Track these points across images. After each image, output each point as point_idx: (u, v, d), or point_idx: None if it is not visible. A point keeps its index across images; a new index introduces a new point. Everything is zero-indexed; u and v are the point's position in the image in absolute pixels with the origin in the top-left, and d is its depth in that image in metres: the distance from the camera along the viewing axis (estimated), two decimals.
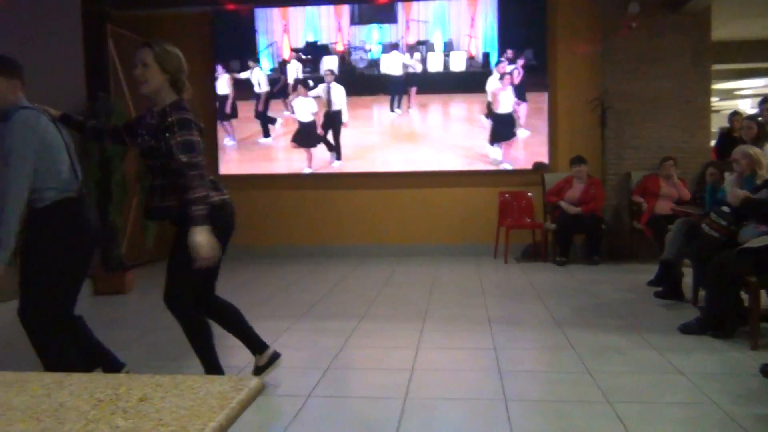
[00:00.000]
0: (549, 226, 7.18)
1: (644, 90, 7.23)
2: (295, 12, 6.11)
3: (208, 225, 2.70)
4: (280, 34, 5.99)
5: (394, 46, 6.28)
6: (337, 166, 7.55)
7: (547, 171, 7.51)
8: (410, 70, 6.60)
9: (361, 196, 7.88)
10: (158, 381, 1.06)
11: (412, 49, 6.11)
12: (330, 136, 7.25)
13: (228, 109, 7.54)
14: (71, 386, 1.03)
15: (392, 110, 6.97)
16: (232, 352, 3.98)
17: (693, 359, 3.56)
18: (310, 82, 6.77)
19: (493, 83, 7.26)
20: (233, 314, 3.21)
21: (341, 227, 7.93)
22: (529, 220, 7.51)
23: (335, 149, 7.26)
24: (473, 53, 6.19)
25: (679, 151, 7.15)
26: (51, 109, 2.95)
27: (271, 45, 6.26)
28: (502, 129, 7.41)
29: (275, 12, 6.28)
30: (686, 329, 4.06)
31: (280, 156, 7.67)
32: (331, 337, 4.17)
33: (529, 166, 7.60)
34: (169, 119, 2.75)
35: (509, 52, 6.91)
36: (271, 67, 6.52)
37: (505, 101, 7.38)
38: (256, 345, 3.23)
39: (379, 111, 7.24)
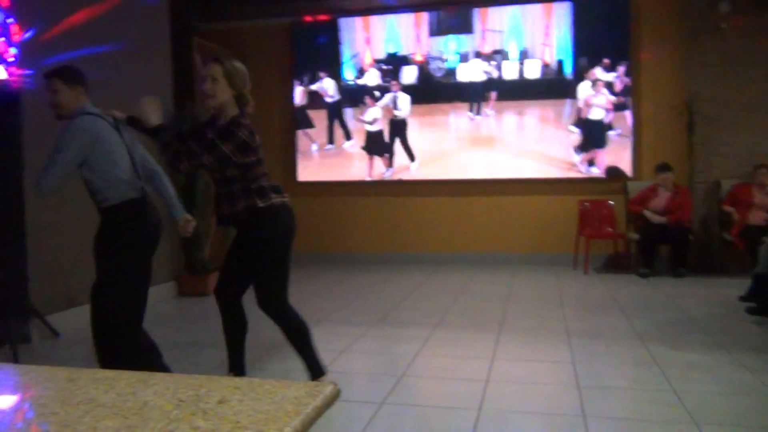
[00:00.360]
0: (632, 236, 6.93)
1: (735, 94, 6.86)
2: (376, 24, 6.29)
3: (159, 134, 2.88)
4: (363, 45, 6.19)
5: (476, 54, 6.43)
6: (415, 168, 7.56)
7: (621, 177, 7.25)
8: (490, 76, 6.65)
9: (438, 203, 7.86)
10: (236, 384, 1.08)
11: (487, 58, 6.23)
12: (398, 144, 7.35)
13: (305, 119, 7.80)
14: (155, 386, 1.07)
15: (471, 113, 6.98)
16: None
17: None
18: (377, 93, 6.91)
19: (584, 90, 7.11)
20: (243, 327, 3.28)
21: (417, 234, 7.93)
22: (610, 229, 7.27)
23: (408, 152, 7.36)
24: (548, 61, 6.20)
25: None
26: (117, 113, 3.11)
27: (354, 56, 6.42)
28: (592, 136, 7.24)
29: (358, 24, 6.47)
30: None
31: (352, 163, 7.82)
32: (405, 345, 4.17)
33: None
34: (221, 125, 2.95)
35: (605, 60, 6.80)
36: (354, 76, 6.62)
37: (597, 109, 7.23)
38: (237, 364, 3.27)
39: (456, 117, 7.32)
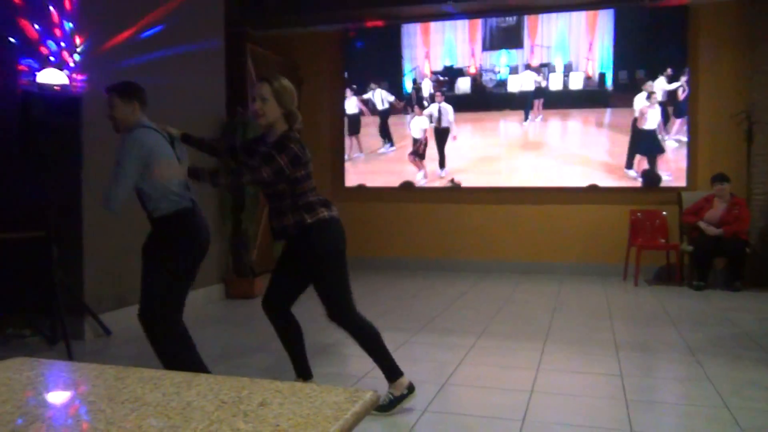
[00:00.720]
0: (685, 248, 6.73)
1: None
2: (435, 40, 6.69)
3: (220, 184, 3.02)
4: (422, 59, 6.60)
5: (526, 66, 6.80)
6: (445, 174, 7.74)
7: (658, 183, 7.06)
8: (539, 85, 6.97)
9: (485, 210, 7.80)
10: (278, 387, 1.09)
11: (535, 70, 6.61)
12: (435, 149, 7.62)
13: (354, 125, 8.05)
14: (198, 387, 1.09)
15: (523, 122, 7.21)
16: (350, 360, 4.06)
17: None
18: (425, 103, 7.24)
19: (640, 101, 7.13)
20: (298, 334, 3.34)
21: (464, 242, 7.88)
22: (663, 240, 7.08)
23: (441, 161, 7.61)
24: (590, 74, 6.45)
25: None
26: (172, 129, 3.26)
27: (414, 69, 6.81)
28: (645, 145, 7.21)
29: (419, 39, 6.83)
30: None
31: (399, 169, 7.95)
32: (448, 353, 4.14)
33: (671, 184, 7.19)
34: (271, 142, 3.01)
35: (669, 70, 6.90)
36: (412, 87, 7.05)
37: (652, 118, 7.19)
38: (302, 369, 3.34)
39: (506, 124, 7.46)
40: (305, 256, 3.07)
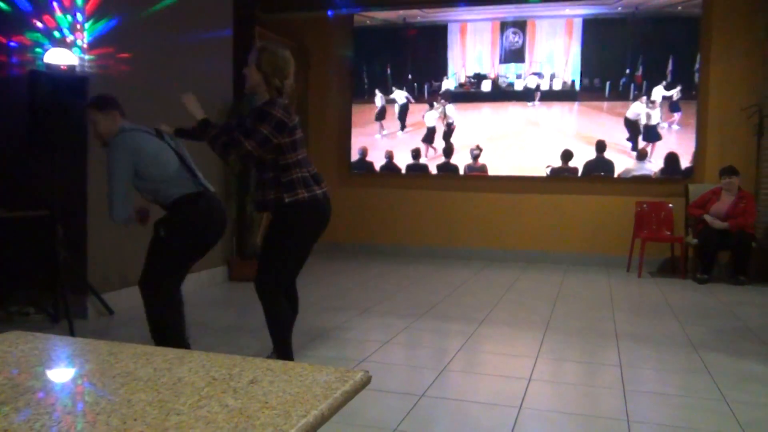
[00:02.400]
0: (690, 241, 6.70)
1: None
2: (471, 54, 8.09)
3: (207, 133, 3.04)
4: (460, 66, 8.11)
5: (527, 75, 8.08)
6: (443, 159, 8.14)
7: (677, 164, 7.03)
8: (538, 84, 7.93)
9: (490, 198, 7.79)
10: (269, 365, 1.10)
11: (532, 75, 7.91)
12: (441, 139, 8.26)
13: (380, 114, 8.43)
14: (190, 363, 1.10)
15: (528, 103, 7.94)
16: (348, 345, 4.08)
17: None
18: (435, 104, 8.20)
19: (638, 108, 7.44)
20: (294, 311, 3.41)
21: (468, 230, 7.88)
22: (668, 233, 7.06)
23: (447, 149, 8.20)
24: (566, 80, 7.74)
25: None
26: (164, 126, 3.34)
27: (455, 74, 8.15)
28: (645, 135, 7.45)
29: (457, 52, 8.10)
30: None
31: (407, 152, 8.23)
32: (448, 339, 4.15)
33: (673, 176, 7.15)
34: (256, 108, 3.04)
35: (669, 77, 7.31)
36: (456, 85, 8.21)
37: (654, 117, 7.39)
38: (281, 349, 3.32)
39: (515, 109, 7.94)
40: (276, 230, 3.14)
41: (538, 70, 7.85)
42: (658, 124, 7.33)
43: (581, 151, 7.59)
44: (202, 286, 5.67)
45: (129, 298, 4.82)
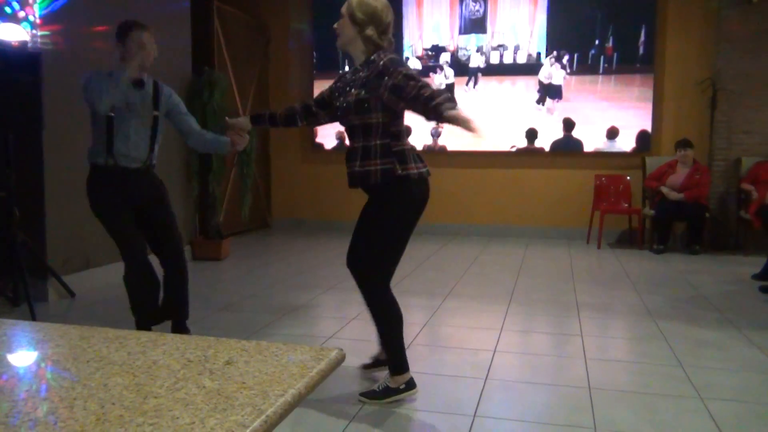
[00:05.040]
0: (647, 213, 6.88)
1: (762, 71, 6.73)
2: (428, 24, 7.83)
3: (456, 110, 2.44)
4: (417, 38, 7.89)
5: (480, 49, 7.92)
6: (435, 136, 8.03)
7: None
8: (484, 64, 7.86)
9: (454, 174, 7.84)
10: (244, 346, 1.10)
11: (494, 49, 7.74)
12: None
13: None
14: (165, 345, 1.10)
15: (467, 84, 7.88)
16: (318, 322, 4.10)
17: None
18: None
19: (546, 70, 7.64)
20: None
21: (431, 205, 7.88)
22: (626, 205, 7.23)
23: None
24: (530, 52, 7.62)
25: None
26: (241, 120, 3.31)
27: (411, 46, 7.92)
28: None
29: (413, 22, 7.85)
30: None
31: None
32: (414, 314, 4.21)
33: (629, 149, 7.29)
34: (381, 63, 2.60)
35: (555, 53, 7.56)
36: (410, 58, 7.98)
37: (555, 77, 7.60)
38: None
39: (470, 86, 7.83)
40: (377, 209, 2.73)
41: (501, 42, 7.61)
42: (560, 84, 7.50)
43: (548, 128, 7.49)
44: None
45: (91, 280, 4.75)
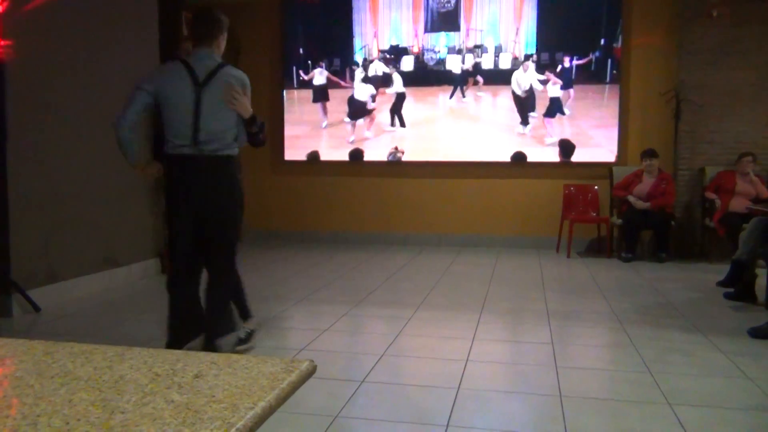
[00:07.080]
0: (615, 221, 6.99)
1: (723, 82, 6.91)
2: (383, 21, 7.02)
3: None
4: (371, 38, 6.87)
5: (459, 51, 7.19)
6: (403, 131, 7.75)
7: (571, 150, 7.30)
8: (475, 63, 7.35)
9: (424, 184, 7.87)
10: (213, 359, 1.09)
11: (470, 51, 6.97)
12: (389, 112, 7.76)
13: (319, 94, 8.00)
14: (132, 360, 1.08)
15: (451, 97, 7.50)
16: (289, 333, 4.07)
17: (762, 364, 3.41)
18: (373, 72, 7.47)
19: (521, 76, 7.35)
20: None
21: (403, 215, 7.95)
22: (594, 214, 7.33)
23: (401, 120, 7.72)
24: (516, 54, 6.90)
25: (759, 147, 6.82)
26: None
27: (364, 47, 7.08)
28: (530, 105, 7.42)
29: (368, 19, 7.12)
30: (756, 333, 3.89)
31: (337, 133, 7.93)
32: (387, 325, 4.20)
33: (598, 160, 7.40)
34: None
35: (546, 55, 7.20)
36: (362, 63, 7.37)
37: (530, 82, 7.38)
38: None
39: (444, 98, 7.59)
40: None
41: (478, 42, 6.56)
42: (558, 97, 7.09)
43: (539, 153, 6.75)
44: (134, 279, 5.52)
45: (57, 294, 4.65)
